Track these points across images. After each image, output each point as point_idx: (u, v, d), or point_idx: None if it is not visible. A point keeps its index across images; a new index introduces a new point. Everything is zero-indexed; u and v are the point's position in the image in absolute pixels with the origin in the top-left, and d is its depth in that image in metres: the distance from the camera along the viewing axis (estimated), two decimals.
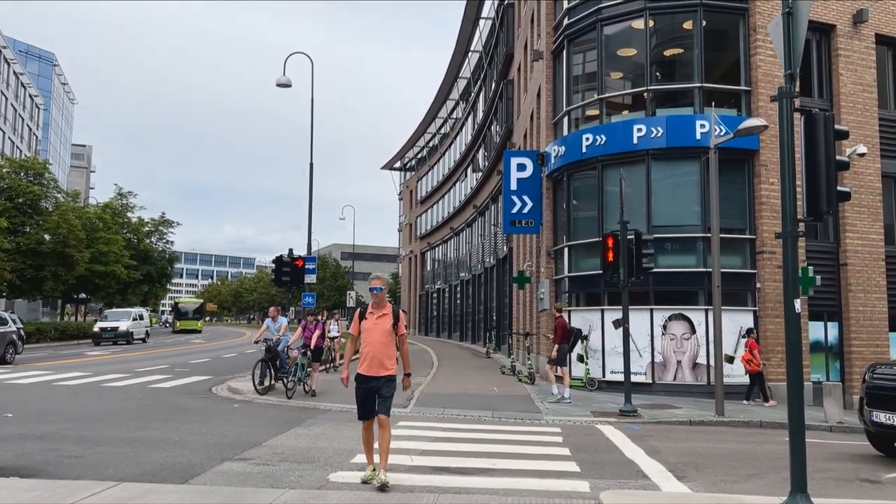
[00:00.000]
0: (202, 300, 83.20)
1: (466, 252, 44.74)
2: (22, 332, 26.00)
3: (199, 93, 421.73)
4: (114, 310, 44.01)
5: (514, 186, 20.96)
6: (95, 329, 38.32)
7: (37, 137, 78.59)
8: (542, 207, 20.82)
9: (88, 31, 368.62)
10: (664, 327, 16.90)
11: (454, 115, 50.63)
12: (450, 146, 49.39)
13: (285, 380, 14.54)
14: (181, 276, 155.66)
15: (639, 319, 16.66)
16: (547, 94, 20.96)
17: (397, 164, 70.40)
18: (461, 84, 47.56)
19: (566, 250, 19.43)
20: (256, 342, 15.41)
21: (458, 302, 47.06)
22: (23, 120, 71.72)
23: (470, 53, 43.29)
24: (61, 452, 8.11)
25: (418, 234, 59.68)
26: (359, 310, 7.30)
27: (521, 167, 20.97)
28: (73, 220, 40.90)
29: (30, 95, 74.23)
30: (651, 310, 17.01)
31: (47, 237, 39.83)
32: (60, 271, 39.67)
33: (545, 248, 20.64)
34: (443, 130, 54.37)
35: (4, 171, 41.39)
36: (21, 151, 65.97)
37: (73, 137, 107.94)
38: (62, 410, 11.71)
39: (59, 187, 45.78)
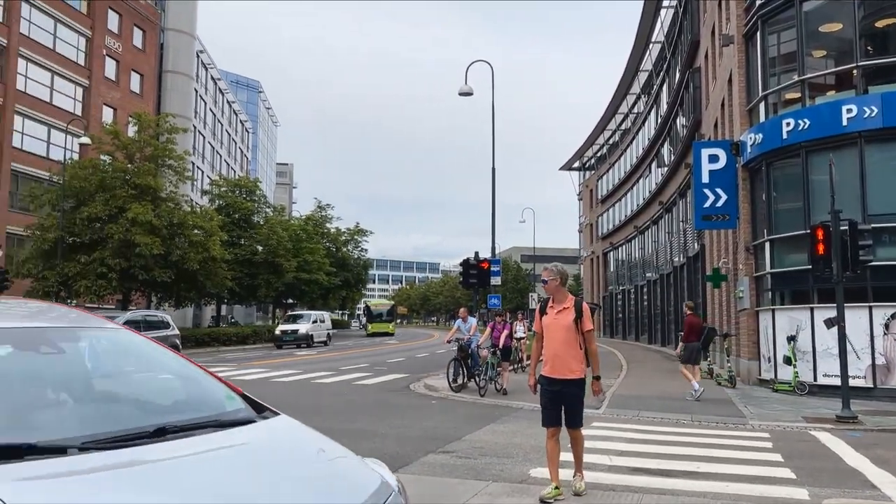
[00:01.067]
0: (393, 303, 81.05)
1: (652, 251, 43.17)
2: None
3: (382, 110, 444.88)
4: (295, 312, 44.54)
5: (705, 179, 19.93)
6: (277, 332, 38.42)
7: (247, 158, 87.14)
8: (738, 200, 19.59)
9: (284, 60, 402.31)
10: (886, 326, 15.23)
11: (635, 110, 49.13)
12: (631, 142, 47.99)
13: (477, 378, 14.94)
14: (374, 282, 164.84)
15: (855, 318, 15.14)
16: (739, 80, 19.74)
17: (576, 164, 69.59)
18: (642, 77, 46.08)
19: (767, 245, 18.15)
20: (448, 342, 15.97)
21: (645, 303, 45.52)
22: (235, 143, 79.86)
23: (651, 45, 41.83)
24: None
25: (600, 233, 58.54)
26: (539, 304, 6.58)
27: (713, 158, 19.89)
28: (280, 232, 44.94)
29: (240, 121, 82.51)
30: (870, 307, 15.40)
31: (260, 248, 44.08)
32: (271, 279, 43.72)
33: (743, 243, 19.41)
34: (623, 126, 52.96)
35: (223, 190, 46.37)
36: (235, 172, 73.51)
37: (277, 157, 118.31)
38: (280, 403, 12.89)
39: (267, 203, 50.51)
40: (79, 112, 42.24)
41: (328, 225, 59.54)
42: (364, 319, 75.81)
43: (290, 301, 56.14)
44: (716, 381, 18.25)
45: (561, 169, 71.11)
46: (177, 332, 22.96)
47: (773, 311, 17.45)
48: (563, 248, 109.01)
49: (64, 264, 29.71)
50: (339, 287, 57.63)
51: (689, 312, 15.63)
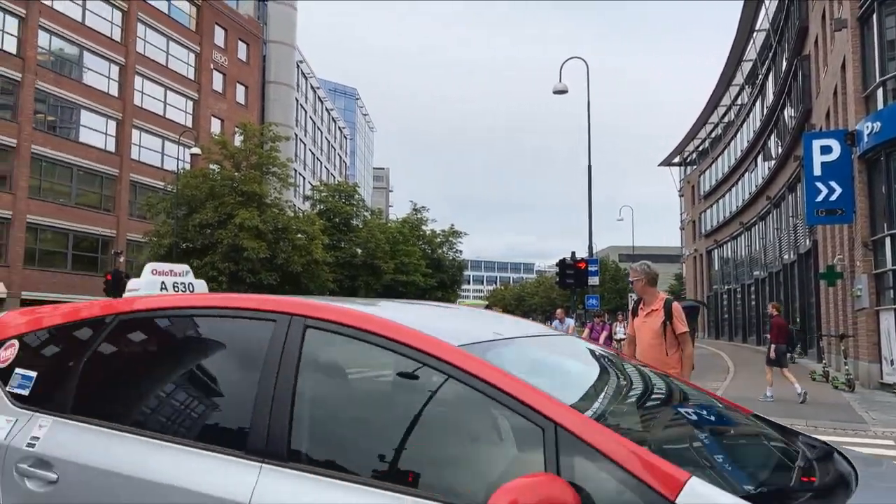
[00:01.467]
0: (486, 303, 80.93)
1: (760, 248, 41.28)
2: None
3: (473, 111, 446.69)
4: None
5: (817, 172, 18.89)
6: None
7: (346, 164, 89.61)
8: (854, 193, 18.46)
9: (378, 67, 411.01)
10: None
11: (738, 102, 47.15)
12: (735, 135, 46.07)
13: None
14: (469, 283, 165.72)
15: None
16: (854, 66, 18.59)
17: (676, 160, 67.45)
18: (745, 67, 44.15)
19: (888, 240, 17.01)
20: None
21: (753, 303, 43.56)
22: (334, 149, 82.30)
23: (755, 33, 40.03)
24: None
25: (702, 231, 56.49)
26: (632, 305, 6.24)
27: (826, 150, 18.82)
28: (378, 234, 45.94)
29: (339, 128, 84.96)
30: None
31: (359, 251, 45.21)
32: (370, 280, 44.73)
33: (860, 238, 18.27)
34: (726, 119, 50.92)
35: (324, 195, 47.86)
36: (334, 177, 75.73)
37: (374, 161, 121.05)
38: None
39: (365, 206, 51.73)
40: (189, 124, 44.71)
41: (423, 227, 60.27)
42: None
43: None
44: (832, 384, 17.27)
45: (660, 165, 69.11)
46: None
47: None
48: (663, 246, 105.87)
49: None
50: (435, 288, 58.24)
51: (775, 314, 15.43)
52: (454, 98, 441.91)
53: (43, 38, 35.98)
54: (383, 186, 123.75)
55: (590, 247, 22.92)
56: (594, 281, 22.32)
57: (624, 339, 21.70)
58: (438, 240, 61.91)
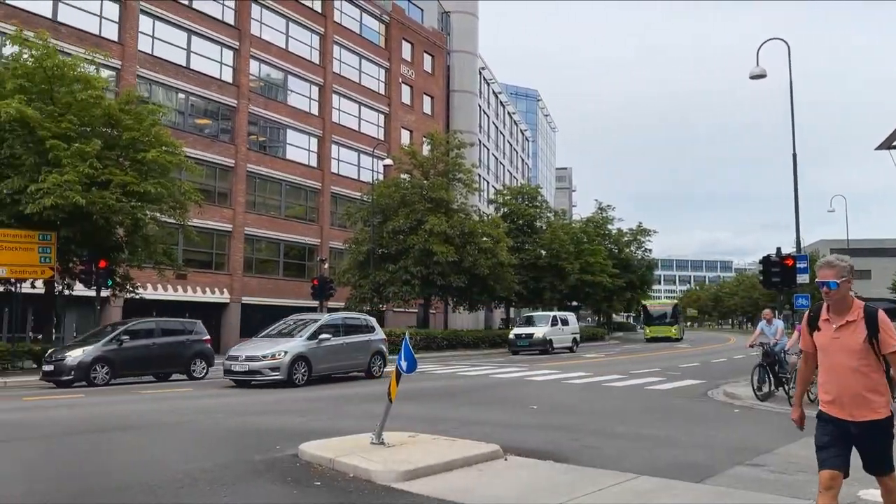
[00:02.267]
0: (675, 303, 68.89)
1: None
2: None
3: (659, 105, 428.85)
4: (535, 313, 38.96)
5: None
6: (511, 336, 34.32)
7: (528, 166, 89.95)
8: None
9: (556, 65, 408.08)
10: None
11: None
12: None
13: (786, 386, 13.63)
14: (659, 282, 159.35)
15: None
16: None
17: None
18: None
19: None
20: (751, 346, 14.79)
21: None
22: (516, 152, 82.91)
23: None
24: (582, 443, 9.00)
25: None
26: (807, 314, 4.59)
27: None
28: (562, 235, 45.62)
29: (520, 130, 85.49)
30: None
31: (543, 252, 45.17)
32: (555, 282, 44.51)
33: None
34: None
35: (507, 198, 48.42)
36: (516, 180, 76.27)
37: (556, 162, 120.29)
38: (574, 405, 13.05)
39: (548, 207, 51.57)
40: (382, 137, 47.24)
41: (609, 226, 58.97)
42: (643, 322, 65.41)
43: (575, 304, 56.54)
44: None
45: (878, 148, 61.89)
46: (382, 335, 20.16)
47: None
48: (883, 238, 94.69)
49: (375, 273, 33.40)
50: (623, 289, 56.71)
51: None
52: (637, 91, 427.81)
53: (254, 67, 39.85)
54: (566, 186, 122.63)
55: (797, 241, 21.09)
56: (803, 279, 20.46)
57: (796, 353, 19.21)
58: (625, 239, 60.24)
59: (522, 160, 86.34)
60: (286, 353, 16.38)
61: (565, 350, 34.30)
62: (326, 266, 36.32)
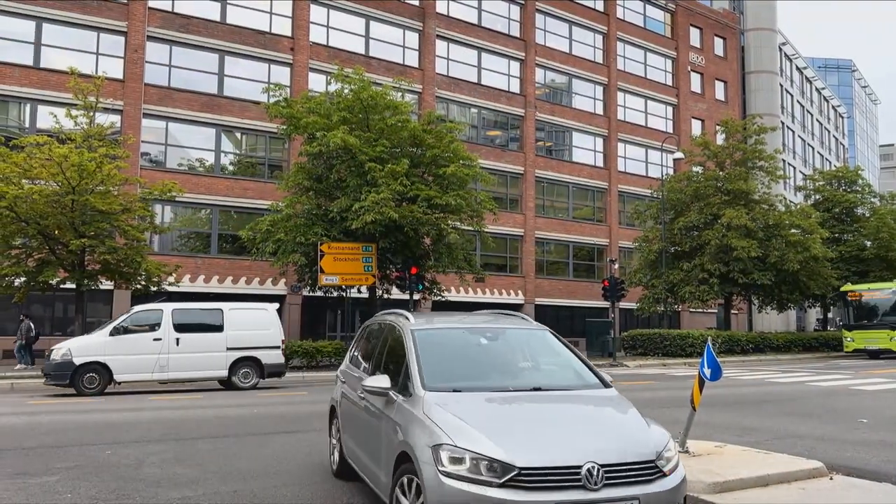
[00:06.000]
0: None
1: None
2: None
3: None
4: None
5: None
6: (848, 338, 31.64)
7: (843, 146, 79.65)
8: None
9: (881, 28, 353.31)
10: None
11: None
12: None
13: None
14: None
15: None
16: None
17: None
18: None
19: None
20: None
21: None
22: (829, 132, 73.90)
23: None
24: None
25: None
26: None
27: None
28: (891, 222, 39.55)
29: (833, 107, 76.05)
30: None
31: (868, 243, 39.62)
32: (886, 276, 38.69)
33: None
34: None
35: (819, 184, 43.41)
36: (830, 163, 67.96)
37: (879, 139, 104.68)
38: None
39: (872, 191, 45.07)
40: (670, 129, 45.41)
41: None
42: None
43: None
44: None
45: None
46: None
47: None
48: None
49: (668, 272, 32.18)
50: None
51: None
52: None
53: (539, 75, 40.98)
54: (894, 166, 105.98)
55: None
56: None
57: None
58: None
59: (836, 140, 76.60)
60: None
61: None
62: (616, 266, 35.90)
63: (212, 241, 30.43)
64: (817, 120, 70.23)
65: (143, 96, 28.70)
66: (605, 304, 31.42)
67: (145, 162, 29.18)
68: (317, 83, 30.96)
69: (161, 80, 29.42)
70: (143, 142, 28.81)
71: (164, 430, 10.36)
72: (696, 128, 46.57)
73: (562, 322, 40.23)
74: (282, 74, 31.34)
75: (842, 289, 33.21)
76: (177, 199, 24.61)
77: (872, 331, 30.49)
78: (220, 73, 30.76)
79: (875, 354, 29.93)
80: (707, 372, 7.23)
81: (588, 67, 42.89)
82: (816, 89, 70.70)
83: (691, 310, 37.85)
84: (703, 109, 47.96)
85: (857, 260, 38.67)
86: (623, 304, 35.23)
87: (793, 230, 32.29)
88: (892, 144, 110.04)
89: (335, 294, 25.37)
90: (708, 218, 31.65)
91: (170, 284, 23.52)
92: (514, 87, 39.79)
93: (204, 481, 6.94)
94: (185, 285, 27.47)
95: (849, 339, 31.65)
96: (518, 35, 39.96)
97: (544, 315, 37.40)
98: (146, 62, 28.99)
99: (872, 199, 43.73)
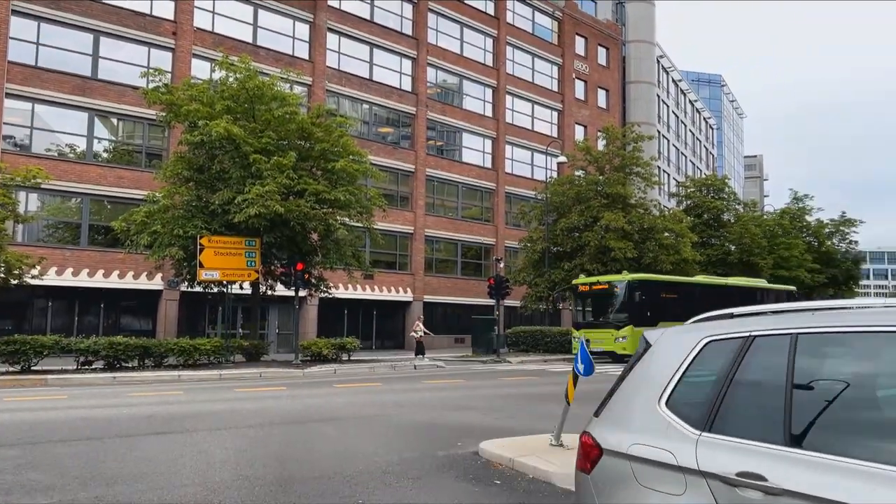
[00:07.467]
0: None
1: None
2: None
3: (862, 83, 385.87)
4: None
5: None
6: None
7: (713, 156, 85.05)
8: None
9: (743, 48, 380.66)
10: None
11: None
12: None
13: None
14: (868, 277, 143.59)
15: None
16: None
17: None
18: None
19: None
20: None
21: None
22: (700, 142, 78.69)
23: None
24: None
25: None
26: None
27: None
28: (753, 228, 42.67)
29: (703, 119, 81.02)
30: None
31: (732, 248, 42.51)
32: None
33: None
34: None
35: (690, 190, 46.14)
36: (700, 171, 72.39)
37: (744, 150, 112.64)
38: None
39: (737, 199, 48.42)
40: (555, 134, 46.93)
41: (807, 217, 54.11)
42: None
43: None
44: None
45: None
46: None
47: None
48: None
49: (551, 271, 33.23)
50: (825, 285, 51.81)
51: None
52: (834, 66, 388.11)
53: (430, 74, 41.25)
54: (756, 175, 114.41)
55: None
56: None
57: None
58: (826, 230, 54.99)
59: (706, 149, 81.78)
60: None
61: None
62: (502, 265, 36.72)
63: (82, 232, 28.60)
64: (690, 130, 74.68)
65: (6, 74, 26.57)
66: (492, 301, 32.07)
67: (8, 145, 27.07)
68: (200, 70, 29.77)
69: (28, 59, 27.34)
70: (5, 123, 26.71)
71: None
72: (579, 133, 48.38)
73: (450, 319, 40.72)
74: (163, 59, 29.92)
75: (574, 281, 29.96)
76: (43, 186, 22.96)
77: (598, 329, 27.01)
78: (94, 55, 28.95)
79: (599, 356, 25.28)
80: (581, 367, 7.52)
81: (478, 69, 43.59)
82: (690, 101, 75.15)
83: (571, 308, 39.28)
84: (586, 115, 49.88)
85: (723, 263, 41.43)
86: (508, 302, 36.08)
87: (666, 234, 34.08)
88: (755, 156, 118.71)
89: (216, 290, 24.45)
90: (588, 220, 32.92)
91: (33, 277, 21.91)
92: (406, 84, 39.85)
93: (62, 487, 6.49)
94: (51, 278, 25.70)
95: (576, 338, 27.41)
96: (410, 33, 40.06)
97: (433, 312, 37.71)
98: (10, 38, 26.85)
99: (737, 206, 47.03)
